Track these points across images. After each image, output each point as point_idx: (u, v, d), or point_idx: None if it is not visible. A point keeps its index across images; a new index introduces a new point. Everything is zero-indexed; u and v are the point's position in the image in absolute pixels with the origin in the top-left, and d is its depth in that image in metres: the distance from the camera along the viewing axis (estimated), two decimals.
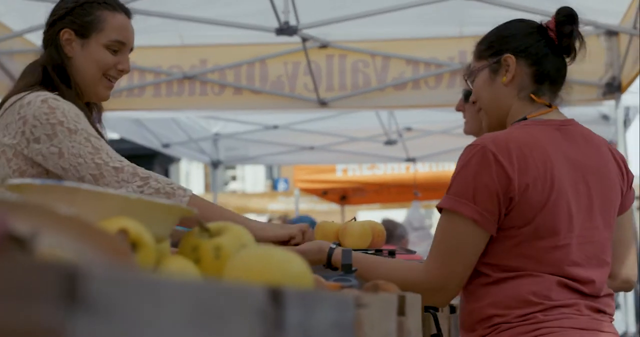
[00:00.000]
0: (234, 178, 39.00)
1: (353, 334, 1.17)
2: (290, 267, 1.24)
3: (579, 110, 8.29)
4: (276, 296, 0.84)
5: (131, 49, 3.05)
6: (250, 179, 40.12)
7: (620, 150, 7.53)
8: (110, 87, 3.01)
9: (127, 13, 3.05)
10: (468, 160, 2.65)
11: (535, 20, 2.91)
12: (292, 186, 16.63)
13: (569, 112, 3.00)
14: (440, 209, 2.72)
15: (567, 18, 2.84)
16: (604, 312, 2.78)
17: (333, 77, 7.16)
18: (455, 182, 2.68)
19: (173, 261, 1.35)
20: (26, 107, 2.79)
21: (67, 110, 2.78)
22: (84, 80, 2.95)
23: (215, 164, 10.60)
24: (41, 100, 2.78)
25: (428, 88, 7.22)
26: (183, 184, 36.40)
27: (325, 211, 17.09)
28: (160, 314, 0.60)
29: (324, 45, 7.03)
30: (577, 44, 2.86)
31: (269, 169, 34.82)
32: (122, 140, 10.86)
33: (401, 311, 1.57)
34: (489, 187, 2.62)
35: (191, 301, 0.64)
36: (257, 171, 37.54)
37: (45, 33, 3.02)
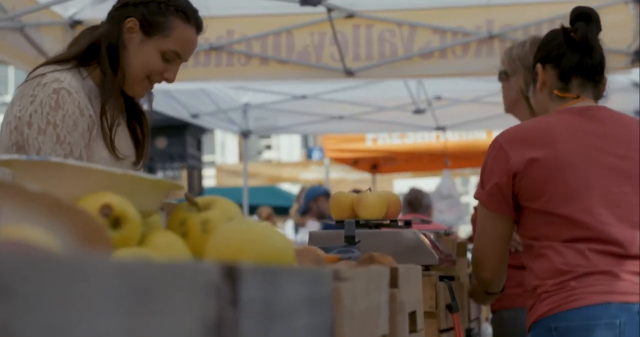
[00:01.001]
0: (268, 147, 39.08)
1: (331, 308, 1.17)
2: (271, 241, 1.25)
3: (609, 78, 8.21)
4: (231, 273, 0.84)
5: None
6: (285, 147, 40.19)
7: None
8: (148, 89, 2.99)
9: (199, 28, 3.02)
10: (488, 152, 3.05)
11: None
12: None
13: None
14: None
15: (578, 17, 3.10)
16: None
17: (360, 47, 7.13)
18: (481, 174, 3.07)
19: (159, 236, 1.36)
20: (41, 88, 2.79)
21: (70, 113, 2.78)
22: (127, 74, 2.92)
23: (245, 134, 10.61)
24: (53, 89, 2.78)
25: (455, 57, 7.17)
26: (218, 153, 36.53)
27: (356, 180, 17.10)
28: (85, 299, 0.61)
29: (350, 15, 7.00)
30: (595, 40, 3.11)
31: (304, 138, 34.81)
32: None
33: (394, 283, 1.57)
34: (492, 172, 2.99)
35: (122, 283, 0.65)
36: (292, 139, 37.59)
37: (113, 10, 2.98)
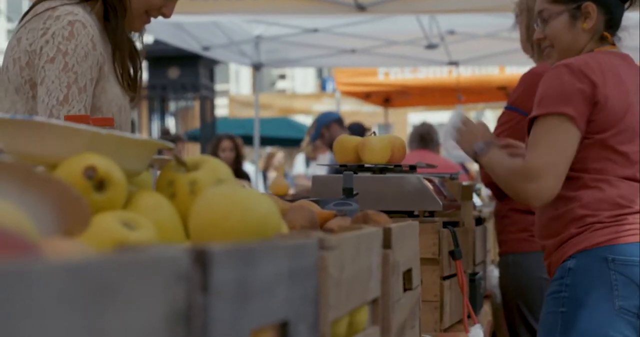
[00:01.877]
0: (282, 77, 38.94)
1: (316, 278, 1.15)
2: (255, 207, 1.22)
3: None
4: (201, 257, 0.82)
5: None
6: (299, 78, 40.06)
7: None
8: (146, 23, 2.97)
9: None
10: (557, 76, 3.04)
11: None
12: None
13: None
14: (532, 120, 3.06)
15: None
16: None
17: None
18: (547, 95, 3.05)
19: (145, 197, 1.33)
20: (53, 20, 2.75)
21: (82, 45, 2.74)
22: (128, 8, 2.89)
23: (257, 67, 10.55)
24: (69, 21, 2.74)
25: None
26: (232, 83, 36.42)
27: (369, 113, 17.06)
28: (33, 304, 0.59)
29: None
30: None
31: (319, 69, 34.64)
32: (160, 42, 10.80)
33: (387, 244, 1.55)
34: (581, 91, 3.00)
35: (74, 283, 0.62)
36: (306, 70, 37.42)
37: None
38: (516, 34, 4.30)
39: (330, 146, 9.57)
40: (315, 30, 9.53)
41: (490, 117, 26.28)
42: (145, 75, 10.77)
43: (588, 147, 3.03)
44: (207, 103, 16.77)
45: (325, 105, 16.62)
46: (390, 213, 2.99)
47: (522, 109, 3.85)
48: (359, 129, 11.33)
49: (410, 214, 3.04)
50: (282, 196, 5.96)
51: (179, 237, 1.34)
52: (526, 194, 3.05)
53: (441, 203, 2.92)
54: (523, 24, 4.25)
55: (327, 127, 9.49)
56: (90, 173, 1.26)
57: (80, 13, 2.78)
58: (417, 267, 1.86)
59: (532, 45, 4.22)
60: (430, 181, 3.00)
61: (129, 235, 1.22)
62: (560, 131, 3.01)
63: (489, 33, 9.60)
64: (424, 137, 7.93)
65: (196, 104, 16.87)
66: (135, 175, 1.40)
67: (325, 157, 9.50)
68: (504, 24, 8.56)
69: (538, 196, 3.04)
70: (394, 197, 2.96)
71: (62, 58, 2.71)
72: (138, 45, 3.03)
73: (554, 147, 3.00)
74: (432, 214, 3.06)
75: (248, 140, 15.15)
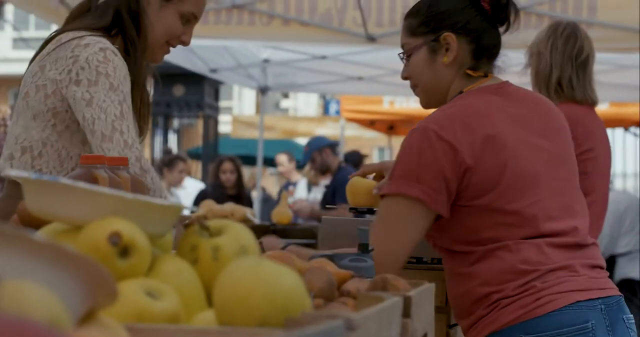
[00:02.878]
0: (286, 96, 38.98)
1: None
2: (281, 283, 1.21)
3: (619, 55, 8.09)
4: None
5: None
6: (302, 97, 40.06)
7: None
8: (166, 53, 2.96)
9: None
10: (410, 144, 2.63)
11: None
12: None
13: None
14: (382, 197, 2.68)
15: None
16: (600, 267, 2.72)
17: (383, 13, 7.03)
18: (398, 166, 2.65)
19: (168, 263, 1.32)
20: (82, 48, 2.73)
21: (120, 67, 2.72)
22: (149, 40, 2.88)
23: (263, 90, 10.56)
24: (100, 47, 2.72)
25: None
26: (235, 104, 36.48)
27: (372, 138, 17.09)
28: None
29: None
30: (512, 15, 2.76)
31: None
32: (166, 59, 10.80)
33: (406, 313, 1.53)
34: (433, 165, 2.59)
35: None
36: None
37: None
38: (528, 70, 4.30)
39: (321, 171, 9.55)
40: (324, 57, 9.54)
41: None
42: (150, 92, 10.79)
43: (473, 216, 2.63)
44: (211, 122, 16.80)
45: (328, 129, 16.64)
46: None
47: None
48: (356, 158, 11.30)
49: (419, 260, 3.03)
50: (286, 225, 5.95)
51: (200, 304, 1.33)
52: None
53: None
54: (533, 67, 4.26)
55: (319, 151, 9.49)
56: (115, 239, 1.25)
57: (110, 44, 2.78)
58: (432, 330, 1.85)
59: (540, 88, 4.23)
60: None
61: (153, 305, 1.21)
62: (406, 215, 2.63)
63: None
64: None
65: (199, 122, 16.90)
66: (158, 238, 1.39)
67: (327, 182, 9.49)
68: (516, 58, 8.58)
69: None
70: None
71: (105, 79, 2.68)
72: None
73: (397, 233, 2.64)
74: (440, 260, 3.05)
75: (250, 160, 15.17)
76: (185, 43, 2.94)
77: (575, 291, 2.59)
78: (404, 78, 2.85)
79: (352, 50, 9.04)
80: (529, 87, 3.99)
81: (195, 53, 8.97)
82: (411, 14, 2.82)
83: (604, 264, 2.76)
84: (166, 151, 10.35)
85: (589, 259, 2.70)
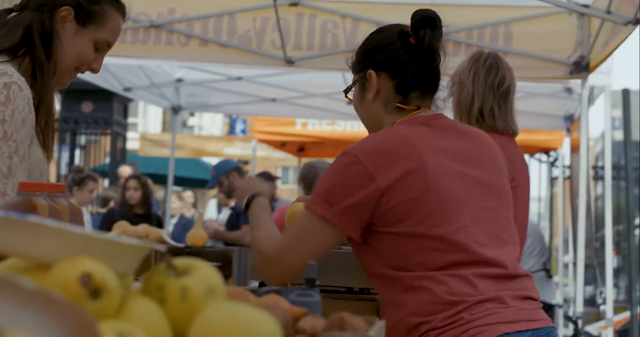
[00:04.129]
0: (192, 114, 38.79)
1: None
2: (258, 328, 1.19)
3: (528, 84, 8.23)
4: None
5: None
6: (208, 116, 39.93)
7: (583, 127, 7.53)
8: (73, 78, 2.87)
9: (124, 16, 2.89)
10: (333, 165, 2.72)
11: None
12: (251, 132, 16.62)
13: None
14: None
15: (421, 22, 2.78)
16: (532, 299, 2.73)
17: (302, 36, 7.05)
18: (317, 184, 2.75)
19: (136, 304, 1.29)
20: None
21: (19, 109, 2.63)
22: (59, 64, 2.79)
23: (175, 110, 10.50)
24: (4, 83, 2.63)
25: None
26: (140, 121, 36.13)
27: (282, 158, 17.09)
28: None
29: (294, 3, 6.92)
30: (441, 47, 2.80)
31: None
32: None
33: None
34: (345, 188, 2.66)
35: None
36: None
37: None
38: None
39: (228, 195, 9.55)
40: (239, 78, 9.53)
41: None
42: (57, 107, 10.61)
43: (400, 241, 2.65)
44: (119, 139, 16.64)
45: (237, 149, 16.63)
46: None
47: None
48: (267, 179, 11.32)
49: (349, 290, 3.04)
50: (200, 247, 5.90)
51: None
52: (261, 268, 2.78)
53: None
54: (455, 96, 4.30)
55: (226, 175, 9.53)
56: (86, 280, 1.23)
57: (16, 73, 2.68)
58: None
59: (462, 117, 4.26)
60: None
61: None
62: (309, 229, 2.70)
63: None
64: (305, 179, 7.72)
65: (105, 138, 16.73)
66: (124, 277, 1.37)
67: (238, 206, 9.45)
68: None
69: (272, 277, 2.76)
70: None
71: (0, 126, 2.61)
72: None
73: (297, 240, 2.71)
74: (369, 290, 3.04)
75: (159, 179, 15.05)
76: (95, 70, 2.85)
77: (503, 322, 2.60)
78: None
79: (268, 72, 9.05)
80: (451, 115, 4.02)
81: (110, 71, 8.88)
82: (354, 51, 2.91)
83: (536, 295, 2.76)
84: (77, 170, 10.18)
85: (520, 290, 2.71)
